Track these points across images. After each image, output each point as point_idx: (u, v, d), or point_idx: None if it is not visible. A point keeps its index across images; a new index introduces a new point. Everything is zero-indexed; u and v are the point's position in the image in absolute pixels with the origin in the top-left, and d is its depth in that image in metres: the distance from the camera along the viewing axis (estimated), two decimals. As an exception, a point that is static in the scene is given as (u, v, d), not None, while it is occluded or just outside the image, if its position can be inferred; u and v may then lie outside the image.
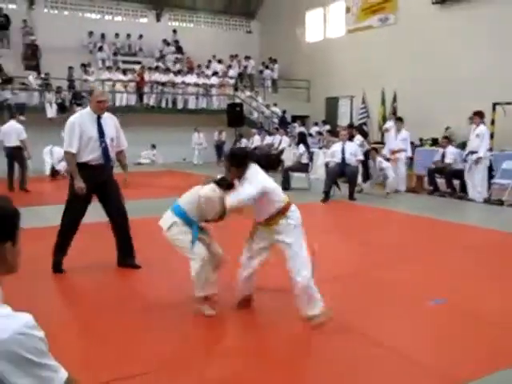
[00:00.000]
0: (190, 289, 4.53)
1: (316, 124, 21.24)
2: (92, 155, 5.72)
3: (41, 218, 8.79)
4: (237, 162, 4.38)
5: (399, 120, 13.53)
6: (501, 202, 10.67)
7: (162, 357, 3.76)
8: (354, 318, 4.47)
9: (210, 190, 4.30)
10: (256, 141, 19.35)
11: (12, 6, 22.49)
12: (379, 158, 12.25)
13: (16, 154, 12.65)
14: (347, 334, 4.18)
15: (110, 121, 5.90)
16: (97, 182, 5.77)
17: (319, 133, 19.59)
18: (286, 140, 16.96)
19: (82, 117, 5.80)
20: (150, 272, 5.91)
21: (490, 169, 11.45)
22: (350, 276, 5.81)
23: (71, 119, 5.80)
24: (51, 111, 18.89)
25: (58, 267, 5.80)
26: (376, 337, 4.12)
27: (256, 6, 27.27)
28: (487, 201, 10.98)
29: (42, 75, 20.00)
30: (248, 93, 22.89)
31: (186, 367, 3.63)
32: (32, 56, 21.09)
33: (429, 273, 5.88)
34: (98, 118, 5.76)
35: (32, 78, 19.48)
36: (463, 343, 4.05)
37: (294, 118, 22.33)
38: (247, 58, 25.14)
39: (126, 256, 6.04)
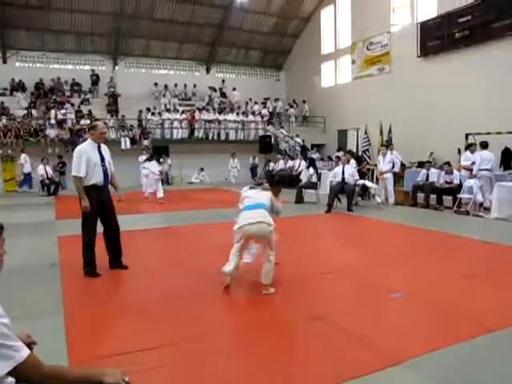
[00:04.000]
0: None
1: (339, 150, 20.97)
2: (97, 178, 5.49)
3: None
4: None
5: (385, 146, 13.31)
6: (467, 212, 10.32)
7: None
8: (327, 307, 4.40)
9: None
10: (281, 164, 19.30)
11: (101, 68, 23.35)
12: (361, 181, 12.11)
13: None
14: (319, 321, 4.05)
15: (106, 149, 5.71)
16: (101, 200, 5.54)
17: (333, 157, 19.23)
18: (303, 164, 16.87)
19: (86, 146, 5.56)
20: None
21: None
22: (336, 272, 5.67)
23: (79, 148, 5.59)
24: (125, 144, 19.32)
25: (93, 274, 5.52)
26: (339, 322, 4.02)
27: (283, 60, 27.30)
28: (456, 211, 10.60)
29: (119, 117, 20.52)
30: (277, 127, 22.91)
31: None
32: (113, 103, 21.74)
33: (404, 272, 5.72)
34: (99, 146, 5.58)
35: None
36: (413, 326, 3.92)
37: (313, 146, 22.23)
38: (276, 100, 25.14)
39: (116, 259, 5.81)
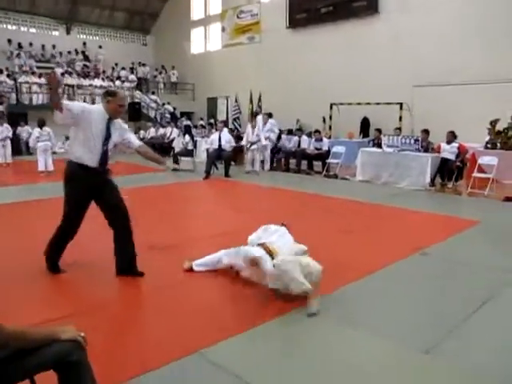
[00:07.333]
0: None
1: (201, 119, 21.14)
2: (89, 156, 4.10)
3: None
4: None
5: (267, 115, 13.66)
6: (335, 176, 11.31)
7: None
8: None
9: None
10: (151, 132, 18.96)
11: None
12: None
13: None
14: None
15: (117, 126, 4.25)
16: (92, 185, 4.17)
17: (205, 125, 19.40)
18: (175, 131, 16.78)
19: (93, 108, 4.20)
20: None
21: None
22: (225, 234, 5.71)
23: (85, 104, 4.34)
24: (-27, 109, 17.35)
25: (55, 268, 4.35)
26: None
27: (150, 24, 26.40)
28: (325, 175, 11.54)
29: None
30: (146, 94, 22.33)
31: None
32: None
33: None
34: (109, 121, 4.15)
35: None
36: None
37: (183, 114, 22.14)
38: (143, 65, 24.41)
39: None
